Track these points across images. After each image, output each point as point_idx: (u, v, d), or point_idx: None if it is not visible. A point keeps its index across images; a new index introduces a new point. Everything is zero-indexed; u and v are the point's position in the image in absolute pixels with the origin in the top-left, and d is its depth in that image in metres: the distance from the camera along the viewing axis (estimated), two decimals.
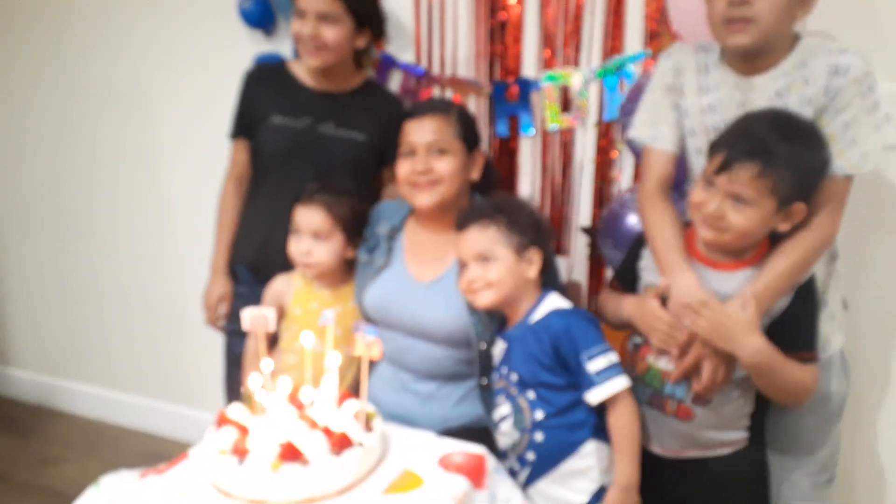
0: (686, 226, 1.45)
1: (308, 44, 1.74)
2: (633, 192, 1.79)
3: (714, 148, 1.34)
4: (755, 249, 1.37)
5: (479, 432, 1.51)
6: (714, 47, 1.45)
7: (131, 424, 2.87)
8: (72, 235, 2.85)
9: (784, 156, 1.26)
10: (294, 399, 1.33)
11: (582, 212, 2.02)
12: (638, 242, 1.54)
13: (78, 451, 2.71)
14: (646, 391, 1.45)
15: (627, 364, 1.48)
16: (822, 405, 1.49)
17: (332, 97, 1.85)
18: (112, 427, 2.89)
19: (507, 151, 2.06)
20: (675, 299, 1.37)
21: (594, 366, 1.34)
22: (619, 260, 1.66)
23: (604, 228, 1.82)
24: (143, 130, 2.60)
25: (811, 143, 1.31)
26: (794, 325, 1.36)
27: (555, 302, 1.45)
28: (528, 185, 2.05)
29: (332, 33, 1.74)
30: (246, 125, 1.89)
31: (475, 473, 1.29)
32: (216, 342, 2.09)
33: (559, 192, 2.03)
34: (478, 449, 1.37)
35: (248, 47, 2.25)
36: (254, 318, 1.40)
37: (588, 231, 1.98)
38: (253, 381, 1.28)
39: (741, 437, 1.43)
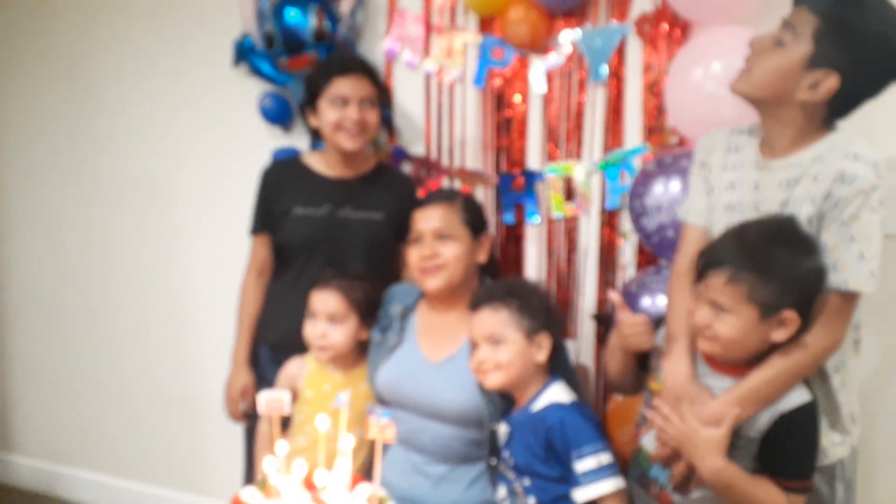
0: None
1: (352, 128, 1.85)
2: (650, 275, 1.84)
3: (698, 257, 1.33)
4: (757, 360, 1.31)
5: None
6: (748, 130, 1.44)
7: None
8: (76, 322, 2.88)
9: (757, 260, 1.24)
10: (308, 482, 1.34)
11: (588, 297, 2.07)
12: (658, 322, 1.53)
13: None
14: (636, 471, 1.46)
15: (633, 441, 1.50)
16: None
17: (348, 183, 1.94)
18: None
19: (513, 238, 2.14)
20: (665, 384, 1.38)
21: (582, 466, 1.36)
22: None
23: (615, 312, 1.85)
24: (160, 220, 2.68)
25: (796, 248, 1.26)
26: (775, 451, 1.31)
27: (556, 393, 1.47)
28: (534, 270, 2.12)
29: (373, 116, 1.89)
30: (267, 220, 1.97)
31: None
32: (224, 429, 2.10)
33: (565, 277, 2.09)
34: None
35: (267, 142, 2.37)
36: (269, 401, 1.43)
37: (598, 318, 2.02)
38: (267, 465, 1.30)
39: None
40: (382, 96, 1.96)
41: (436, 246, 1.65)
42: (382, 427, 1.34)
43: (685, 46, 1.81)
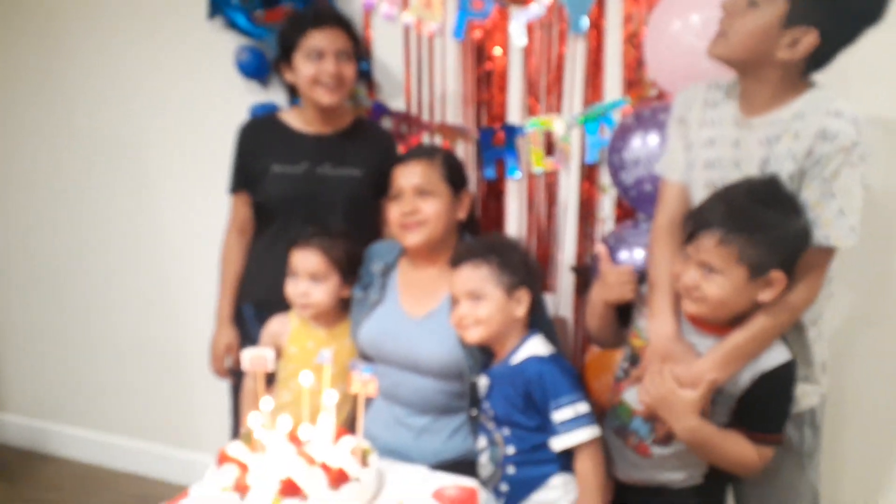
0: None
1: (329, 82, 1.83)
2: (627, 228, 1.86)
3: (686, 220, 1.36)
4: (741, 319, 1.34)
5: (471, 465, 1.56)
6: (725, 86, 1.44)
7: (124, 467, 2.88)
8: (64, 280, 2.89)
9: (748, 222, 1.25)
10: (293, 436, 1.38)
11: (567, 250, 2.09)
12: (640, 278, 1.54)
13: (71, 496, 2.72)
14: (615, 421, 1.50)
15: (612, 392, 1.55)
16: (792, 458, 1.50)
17: (326, 139, 1.93)
18: (105, 470, 2.89)
19: (494, 193, 2.14)
20: (651, 341, 1.41)
21: (560, 416, 1.40)
22: None
23: (595, 265, 1.88)
24: (138, 177, 2.66)
25: (783, 209, 1.28)
26: (754, 407, 1.36)
27: (535, 347, 1.50)
28: (515, 225, 2.13)
29: (349, 70, 1.86)
30: (245, 178, 1.96)
31: None
32: (211, 384, 2.13)
33: (545, 232, 2.11)
34: (470, 482, 1.41)
35: (244, 97, 2.34)
36: (254, 358, 1.45)
37: (577, 270, 2.05)
38: (253, 420, 1.33)
39: (696, 479, 1.46)
40: (359, 49, 1.92)
41: (416, 202, 1.65)
42: (365, 382, 1.37)
43: None
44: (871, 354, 1.88)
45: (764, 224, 1.25)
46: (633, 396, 1.47)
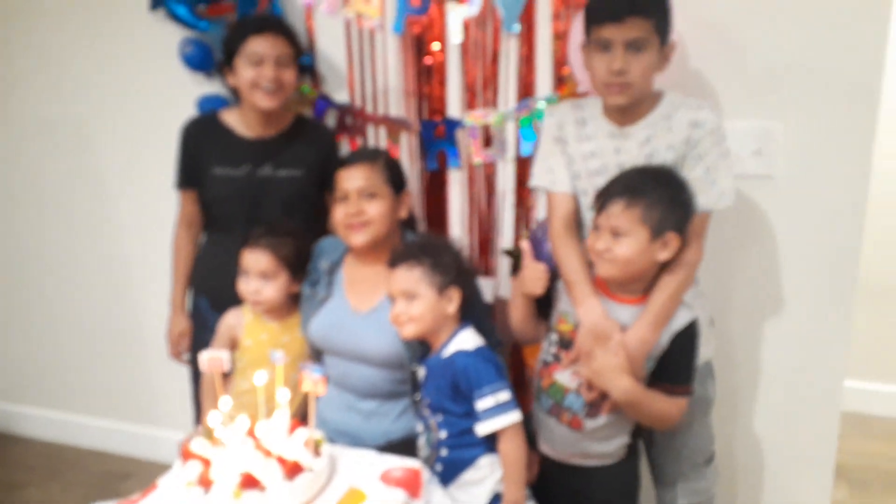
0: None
1: (268, 86, 1.89)
2: None
3: (595, 198, 1.58)
4: (644, 288, 1.58)
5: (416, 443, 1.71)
6: (587, 104, 1.71)
7: (90, 445, 2.99)
8: (23, 262, 2.93)
9: (647, 190, 1.50)
10: (250, 431, 1.50)
11: (505, 235, 2.23)
12: (554, 275, 1.74)
13: (39, 475, 2.81)
14: (548, 401, 1.68)
15: (536, 377, 1.72)
16: (699, 407, 1.74)
17: (267, 141, 2.00)
18: (71, 449, 2.99)
19: (437, 183, 2.25)
20: (583, 324, 1.59)
21: (482, 404, 1.54)
22: None
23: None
24: (89, 163, 2.69)
25: (672, 182, 1.54)
26: (671, 363, 1.58)
27: (464, 341, 1.63)
28: (457, 213, 2.26)
29: (289, 75, 1.92)
30: (189, 177, 2.04)
31: (412, 485, 1.49)
32: (170, 363, 2.24)
33: (485, 219, 2.24)
34: (414, 463, 1.57)
35: (191, 88, 2.38)
36: (210, 359, 1.56)
37: (510, 253, 2.19)
38: (212, 419, 1.45)
39: (621, 447, 1.67)
40: (300, 53, 1.98)
41: (361, 204, 1.75)
42: (315, 381, 1.50)
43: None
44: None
45: (658, 192, 1.50)
46: (565, 377, 1.64)
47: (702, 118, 1.58)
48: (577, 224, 1.75)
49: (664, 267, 1.57)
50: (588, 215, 1.70)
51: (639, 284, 1.58)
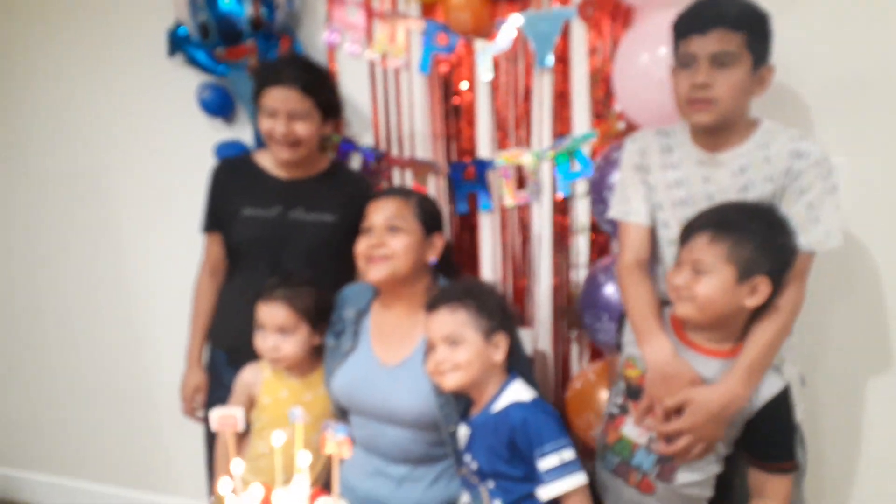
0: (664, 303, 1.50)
1: (281, 140, 1.79)
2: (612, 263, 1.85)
3: (682, 231, 1.44)
4: (733, 339, 1.41)
5: None
6: (674, 130, 1.56)
7: None
8: (26, 323, 2.82)
9: (738, 225, 1.35)
10: (266, 500, 1.33)
11: (543, 283, 2.07)
12: (621, 316, 1.59)
13: None
14: (614, 460, 1.49)
15: (602, 431, 1.53)
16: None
17: (299, 183, 1.89)
18: None
19: (468, 227, 2.12)
20: (650, 366, 1.42)
21: (545, 464, 1.37)
22: (599, 326, 1.74)
23: (585, 298, 1.86)
24: (103, 217, 2.60)
25: (770, 221, 1.38)
26: (764, 437, 1.40)
27: (517, 392, 1.47)
28: (489, 258, 2.11)
29: (304, 129, 1.81)
30: (217, 219, 1.93)
31: None
32: (184, 426, 2.09)
33: (520, 265, 2.09)
34: None
35: (209, 134, 2.30)
36: (222, 418, 1.40)
37: (565, 310, 2.03)
38: (223, 486, 1.28)
39: None
40: (325, 102, 1.85)
41: (385, 237, 1.62)
42: (339, 443, 1.33)
43: (631, 31, 1.79)
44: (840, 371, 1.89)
45: (751, 230, 1.35)
46: (633, 430, 1.46)
47: (805, 149, 1.42)
48: (651, 260, 1.59)
49: (755, 315, 1.40)
50: (668, 251, 1.55)
51: (723, 333, 1.40)
